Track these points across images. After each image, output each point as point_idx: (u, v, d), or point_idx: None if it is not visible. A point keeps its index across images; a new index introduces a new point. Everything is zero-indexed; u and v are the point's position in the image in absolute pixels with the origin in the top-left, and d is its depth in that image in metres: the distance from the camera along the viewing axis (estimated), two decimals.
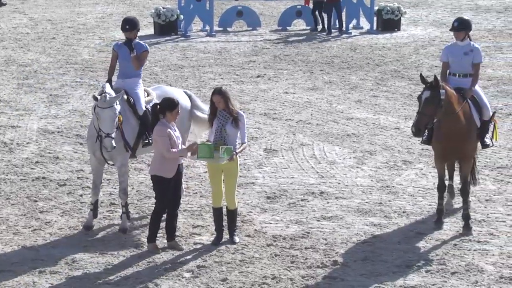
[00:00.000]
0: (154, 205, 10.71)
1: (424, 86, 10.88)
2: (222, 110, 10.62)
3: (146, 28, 26.87)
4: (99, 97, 10.71)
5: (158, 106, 10.49)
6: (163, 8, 26.67)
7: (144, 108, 11.38)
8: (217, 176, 10.70)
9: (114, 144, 10.69)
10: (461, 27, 11.66)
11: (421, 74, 11.05)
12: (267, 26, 28.38)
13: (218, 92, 10.64)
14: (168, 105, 10.40)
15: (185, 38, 26.11)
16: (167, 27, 26.37)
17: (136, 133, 11.32)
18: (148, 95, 11.66)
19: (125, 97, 11.29)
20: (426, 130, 11.70)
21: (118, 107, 10.77)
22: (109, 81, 11.45)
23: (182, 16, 26.54)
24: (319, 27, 27.34)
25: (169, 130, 10.33)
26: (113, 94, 10.83)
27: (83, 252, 10.54)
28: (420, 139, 12.15)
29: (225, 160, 10.45)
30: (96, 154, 11.12)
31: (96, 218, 11.41)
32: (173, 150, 10.29)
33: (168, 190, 10.42)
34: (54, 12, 30.71)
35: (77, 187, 12.90)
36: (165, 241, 10.68)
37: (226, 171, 10.66)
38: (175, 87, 17.98)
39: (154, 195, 10.69)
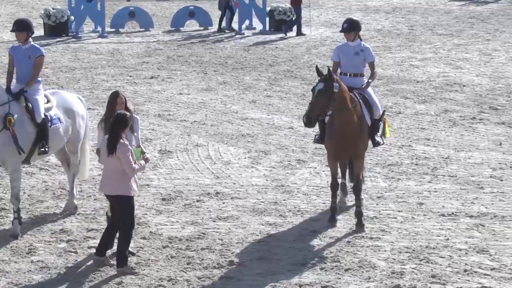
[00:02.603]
0: (108, 222, 10.31)
1: (319, 78, 11.04)
2: None
3: (36, 30, 26.28)
4: None
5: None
6: (53, 9, 26.23)
7: (43, 116, 11.10)
8: None
9: None
10: (351, 28, 11.89)
11: (316, 66, 11.22)
12: (160, 27, 28.26)
13: (119, 95, 10.23)
14: (124, 122, 9.82)
15: (76, 39, 25.74)
16: (57, 28, 25.95)
17: (33, 139, 11.03)
18: (48, 102, 11.38)
19: (24, 103, 11.04)
20: (319, 129, 11.89)
21: None
22: (8, 88, 11.09)
23: (72, 17, 26.16)
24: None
25: (130, 146, 9.87)
26: None
27: None
28: (313, 138, 12.33)
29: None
30: None
31: None
32: (135, 166, 9.83)
33: (133, 206, 9.97)
34: None
35: None
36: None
37: None
38: (67, 89, 17.73)
39: (122, 214, 9.98)
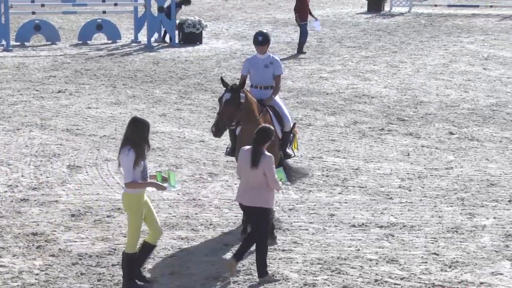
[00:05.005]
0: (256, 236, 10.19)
1: (225, 88, 11.13)
2: None
3: None
4: None
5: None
6: None
7: None
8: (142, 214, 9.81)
9: None
10: (265, 41, 11.94)
11: (221, 77, 11.33)
12: (67, 40, 27.86)
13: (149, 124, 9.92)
14: (268, 136, 10.05)
15: None
16: None
17: None
18: None
19: None
20: (231, 142, 11.88)
21: None
22: None
23: None
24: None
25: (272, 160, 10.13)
26: None
27: None
28: (225, 151, 12.30)
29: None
30: None
31: None
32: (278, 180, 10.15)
33: (270, 218, 10.26)
34: None
35: None
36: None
37: (146, 205, 9.86)
38: None
39: (257, 225, 10.07)
